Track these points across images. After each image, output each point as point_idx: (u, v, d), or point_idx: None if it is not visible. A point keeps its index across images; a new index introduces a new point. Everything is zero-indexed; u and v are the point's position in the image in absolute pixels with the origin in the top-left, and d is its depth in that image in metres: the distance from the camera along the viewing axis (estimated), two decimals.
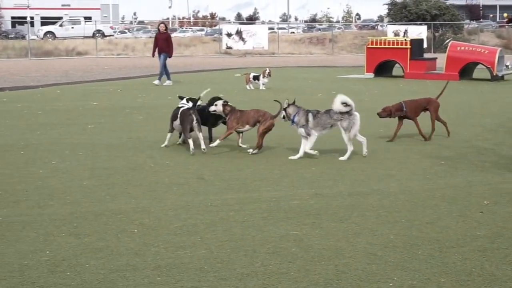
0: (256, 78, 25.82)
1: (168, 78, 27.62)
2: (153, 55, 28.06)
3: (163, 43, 27.46)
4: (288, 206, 8.32)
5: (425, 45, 45.37)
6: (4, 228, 7.44)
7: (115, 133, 14.23)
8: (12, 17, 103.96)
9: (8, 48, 55.88)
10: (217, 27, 79.80)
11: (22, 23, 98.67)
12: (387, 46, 31.46)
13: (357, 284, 5.79)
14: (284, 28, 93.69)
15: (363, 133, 11.75)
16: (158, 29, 28.61)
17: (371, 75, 31.52)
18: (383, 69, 31.88)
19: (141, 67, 30.01)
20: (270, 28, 73.17)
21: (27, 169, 10.56)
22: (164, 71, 27.54)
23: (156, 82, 27.29)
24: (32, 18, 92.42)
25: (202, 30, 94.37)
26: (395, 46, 31.24)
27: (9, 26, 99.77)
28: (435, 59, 33.60)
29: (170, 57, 27.67)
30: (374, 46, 31.71)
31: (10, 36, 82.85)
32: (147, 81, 28.75)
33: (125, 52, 57.18)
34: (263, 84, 25.57)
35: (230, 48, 57.48)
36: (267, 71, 25.93)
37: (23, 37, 74.45)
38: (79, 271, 6.09)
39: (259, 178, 9.97)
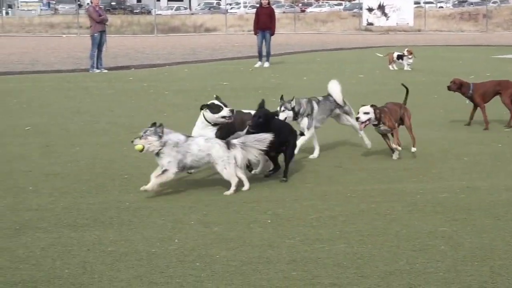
0: (400, 57, 25.49)
1: (260, 60, 27.48)
2: (255, 32, 27.58)
3: (265, 18, 27.00)
4: (436, 200, 8.20)
5: None
6: (131, 214, 7.71)
7: None
8: None
9: (133, 24, 57.65)
10: (356, 1, 79.24)
11: None
12: None
13: None
14: (431, 3, 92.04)
15: None
16: (260, 3, 27.92)
17: None
18: None
19: (274, 45, 30.10)
20: (416, 3, 71.99)
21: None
22: (259, 51, 27.33)
23: (266, 64, 27.14)
24: None
25: (340, 4, 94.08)
26: None
27: (134, 1, 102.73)
28: None
29: (272, 34, 27.26)
30: None
31: (135, 11, 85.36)
32: (281, 59, 28.94)
33: None
34: (408, 64, 25.23)
35: (371, 24, 57.07)
36: (407, 51, 25.53)
37: (149, 12, 76.43)
38: (209, 262, 6.22)
39: (403, 168, 9.87)
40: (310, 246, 6.61)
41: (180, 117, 14.35)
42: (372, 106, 10.23)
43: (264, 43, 27.00)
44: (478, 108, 13.13)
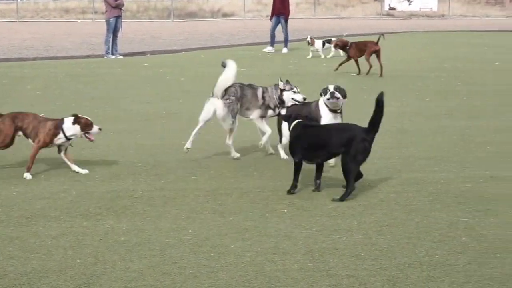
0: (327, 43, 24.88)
1: (271, 45, 27.34)
2: (270, 17, 27.62)
3: (279, 3, 26.93)
4: (458, 190, 8.15)
5: None
6: (145, 203, 7.71)
7: None
8: None
9: (149, 9, 57.58)
10: None
11: None
12: None
13: None
14: None
15: None
16: None
17: None
18: None
19: (292, 30, 30.01)
20: None
21: (169, 140, 10.86)
22: (271, 35, 27.25)
23: (284, 50, 27.04)
24: None
25: None
26: None
27: None
28: None
29: (286, 19, 27.11)
30: None
31: None
32: (300, 45, 28.82)
33: None
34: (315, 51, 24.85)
35: (393, 9, 56.73)
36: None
37: None
38: (223, 252, 6.22)
39: (424, 156, 9.81)
40: (327, 237, 6.60)
41: (196, 104, 14.31)
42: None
43: (281, 28, 26.92)
44: None
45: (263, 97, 9.78)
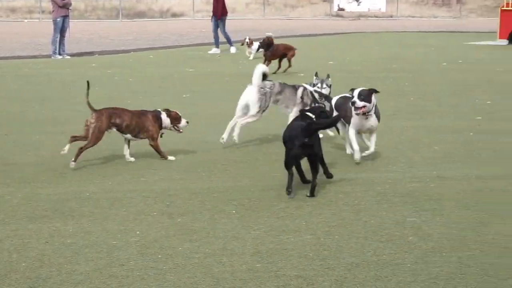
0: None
1: (216, 46, 27.20)
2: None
3: (214, 2, 26.94)
4: (405, 189, 8.23)
5: None
6: (92, 205, 7.65)
7: (213, 104, 14.37)
8: None
9: (97, 8, 57.18)
10: None
11: None
12: None
13: (483, 280, 5.69)
14: None
15: None
16: None
17: (504, 41, 30.77)
18: None
19: (243, 30, 30.24)
20: None
21: (117, 141, 10.78)
22: (213, 36, 27.15)
23: (233, 50, 27.00)
24: None
25: None
26: None
27: None
28: None
29: (218, 19, 26.84)
30: (509, 8, 30.87)
31: None
32: None
33: None
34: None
35: (342, 10, 57.01)
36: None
37: None
38: (171, 254, 6.20)
39: (372, 157, 9.87)
40: (275, 238, 6.61)
41: (144, 104, 14.23)
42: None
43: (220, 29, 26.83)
44: None
45: (302, 97, 10.49)
